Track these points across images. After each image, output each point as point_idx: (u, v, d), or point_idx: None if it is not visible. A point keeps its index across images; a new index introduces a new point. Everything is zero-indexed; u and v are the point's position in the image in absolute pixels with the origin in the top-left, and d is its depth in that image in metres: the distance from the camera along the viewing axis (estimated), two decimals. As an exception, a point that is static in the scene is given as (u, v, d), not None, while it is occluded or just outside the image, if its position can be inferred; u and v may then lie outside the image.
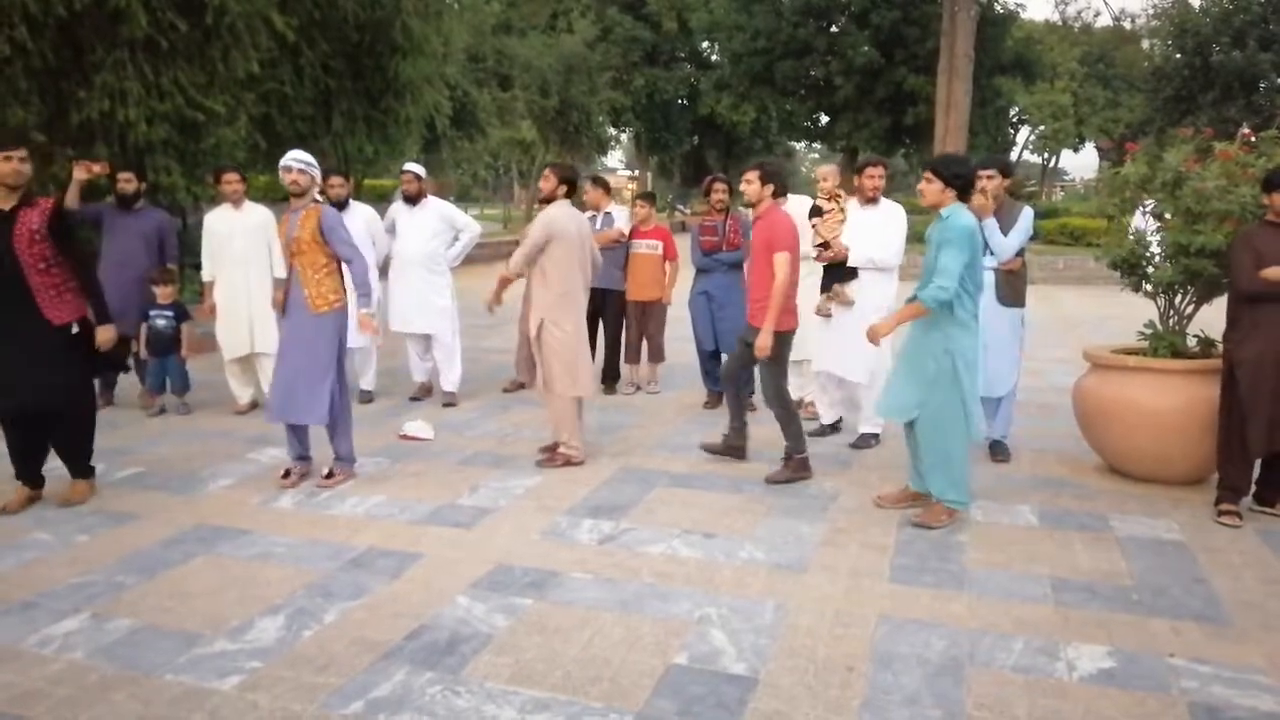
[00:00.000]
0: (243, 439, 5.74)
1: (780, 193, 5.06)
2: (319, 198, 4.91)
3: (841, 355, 5.59)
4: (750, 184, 4.90)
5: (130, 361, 6.53)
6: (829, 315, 5.62)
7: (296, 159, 4.74)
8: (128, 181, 6.45)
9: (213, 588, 3.58)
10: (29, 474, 4.56)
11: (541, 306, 5.15)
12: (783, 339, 4.88)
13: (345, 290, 4.86)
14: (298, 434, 4.92)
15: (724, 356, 6.71)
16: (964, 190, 4.22)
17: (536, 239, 5.08)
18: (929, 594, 3.52)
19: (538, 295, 5.19)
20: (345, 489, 4.77)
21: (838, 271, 5.61)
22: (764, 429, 6.15)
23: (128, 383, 6.71)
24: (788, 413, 4.97)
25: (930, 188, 4.21)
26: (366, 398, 6.80)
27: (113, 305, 6.35)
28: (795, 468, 4.96)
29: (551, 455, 5.26)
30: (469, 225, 6.93)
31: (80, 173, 6.06)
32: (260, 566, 3.78)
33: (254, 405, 6.49)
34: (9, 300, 4.27)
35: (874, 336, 4.35)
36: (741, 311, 6.59)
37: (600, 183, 7.33)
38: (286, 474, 4.87)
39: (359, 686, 2.83)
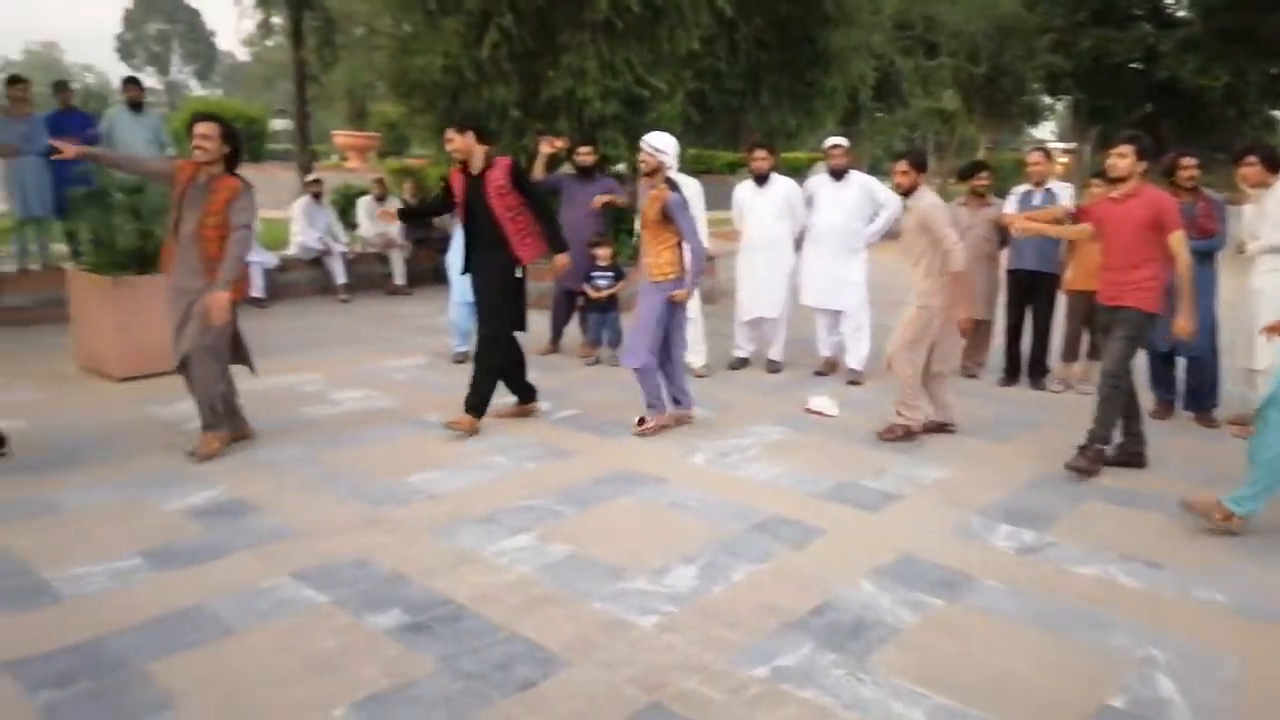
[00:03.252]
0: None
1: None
2: (672, 177, 5.17)
3: None
4: (1124, 158, 4.61)
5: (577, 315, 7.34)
6: None
7: (647, 142, 5.14)
8: (588, 154, 7.16)
9: (636, 528, 3.88)
10: (518, 392, 5.55)
11: (923, 291, 5.17)
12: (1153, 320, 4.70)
13: (682, 264, 5.18)
14: (647, 384, 5.25)
15: (1179, 360, 5.82)
16: None
17: (950, 227, 5.11)
18: None
19: (917, 279, 5.20)
20: (752, 454, 4.92)
21: None
22: (1197, 442, 5.26)
23: (570, 334, 7.52)
24: (1118, 394, 4.62)
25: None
26: (774, 368, 6.95)
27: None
28: (1092, 459, 4.65)
29: (891, 427, 5.21)
30: (890, 200, 6.70)
31: (545, 147, 6.86)
32: (677, 515, 4.03)
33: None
34: (488, 243, 5.08)
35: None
36: (1209, 308, 5.66)
37: (1048, 154, 6.71)
38: (640, 422, 5.29)
39: (765, 651, 2.89)
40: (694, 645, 2.93)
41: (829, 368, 6.97)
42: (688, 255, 5.16)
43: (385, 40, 10.25)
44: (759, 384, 6.56)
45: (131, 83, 9.06)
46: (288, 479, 4.40)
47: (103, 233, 6.39)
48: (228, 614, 3.09)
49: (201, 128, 4.48)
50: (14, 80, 8.44)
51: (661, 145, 5.13)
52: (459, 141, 5.00)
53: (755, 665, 2.81)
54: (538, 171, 7.02)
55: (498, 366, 5.24)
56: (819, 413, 5.76)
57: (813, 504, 4.20)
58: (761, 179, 6.75)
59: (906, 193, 5.23)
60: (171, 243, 4.59)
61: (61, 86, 9.12)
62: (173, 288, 4.59)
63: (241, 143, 4.78)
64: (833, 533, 3.87)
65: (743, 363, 7.04)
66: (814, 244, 6.75)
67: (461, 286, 6.83)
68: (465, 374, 6.61)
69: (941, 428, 5.39)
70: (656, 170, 5.14)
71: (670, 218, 5.09)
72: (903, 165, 5.20)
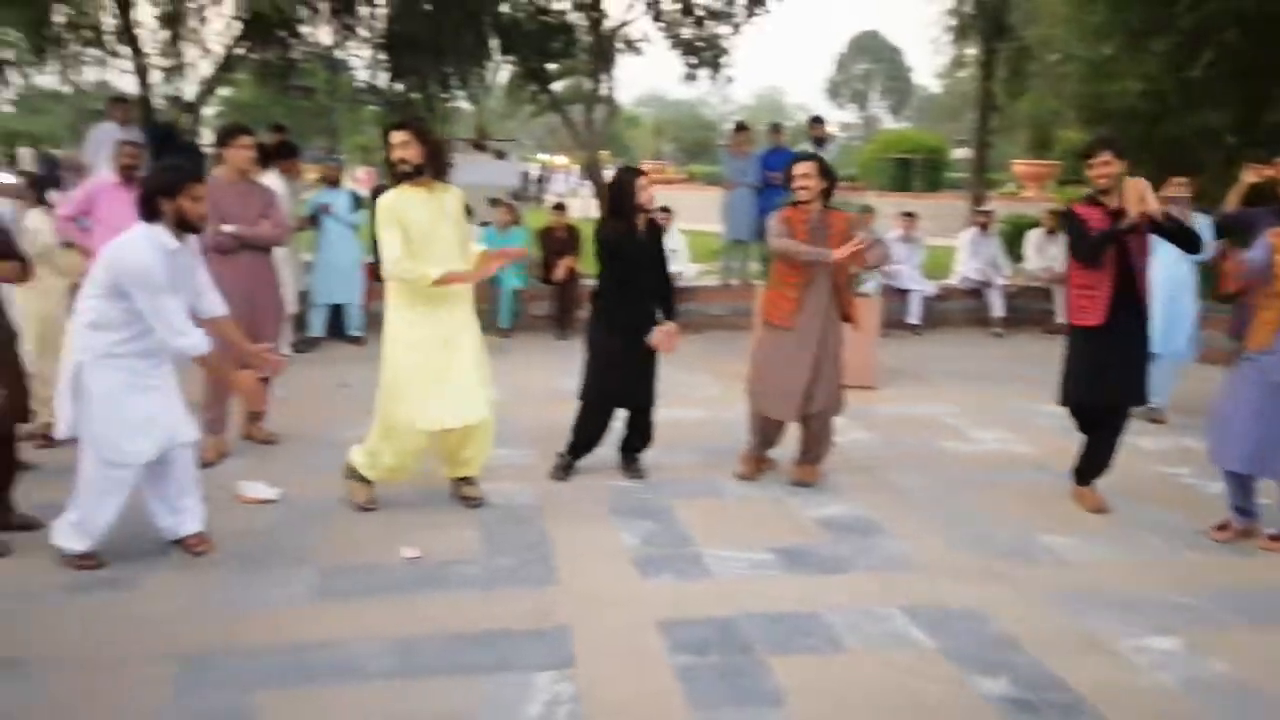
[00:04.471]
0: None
1: None
2: None
3: None
4: None
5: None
6: None
7: None
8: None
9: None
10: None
11: None
12: None
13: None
14: (1244, 484, 4.06)
15: None
16: None
17: None
18: None
19: None
20: None
21: None
22: None
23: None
24: None
25: None
26: None
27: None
28: None
29: None
30: None
31: (1248, 175, 5.77)
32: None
33: None
34: (1133, 294, 4.29)
35: None
36: None
37: None
38: (1223, 527, 4.15)
39: None
40: None
41: None
42: None
43: (1077, 67, 9.68)
44: None
45: (816, 121, 10.23)
46: (914, 508, 4.45)
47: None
48: (840, 629, 3.24)
49: (800, 168, 4.56)
50: (740, 127, 10.10)
51: None
52: (1117, 168, 4.29)
53: None
54: (1233, 202, 5.94)
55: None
56: None
57: None
58: None
59: None
60: (789, 289, 4.57)
61: (775, 127, 10.60)
62: (800, 331, 4.53)
63: (836, 178, 4.72)
64: None
65: None
66: None
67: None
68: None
69: None
70: None
71: None
72: None
